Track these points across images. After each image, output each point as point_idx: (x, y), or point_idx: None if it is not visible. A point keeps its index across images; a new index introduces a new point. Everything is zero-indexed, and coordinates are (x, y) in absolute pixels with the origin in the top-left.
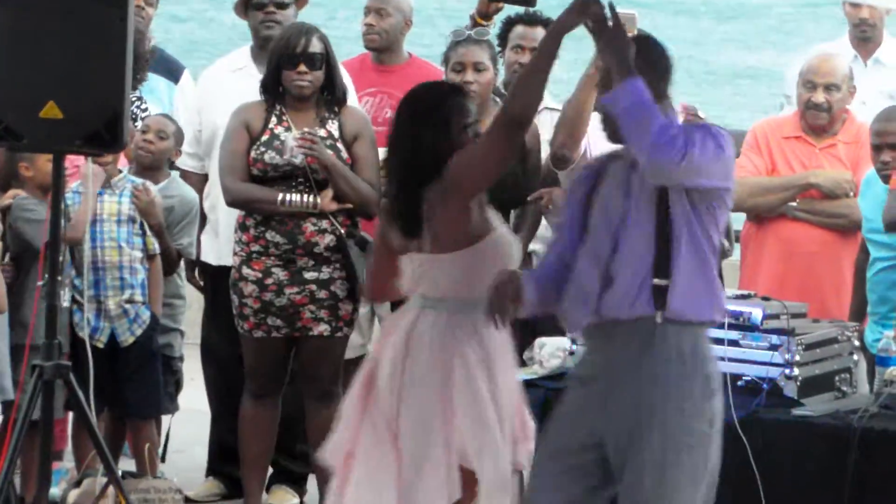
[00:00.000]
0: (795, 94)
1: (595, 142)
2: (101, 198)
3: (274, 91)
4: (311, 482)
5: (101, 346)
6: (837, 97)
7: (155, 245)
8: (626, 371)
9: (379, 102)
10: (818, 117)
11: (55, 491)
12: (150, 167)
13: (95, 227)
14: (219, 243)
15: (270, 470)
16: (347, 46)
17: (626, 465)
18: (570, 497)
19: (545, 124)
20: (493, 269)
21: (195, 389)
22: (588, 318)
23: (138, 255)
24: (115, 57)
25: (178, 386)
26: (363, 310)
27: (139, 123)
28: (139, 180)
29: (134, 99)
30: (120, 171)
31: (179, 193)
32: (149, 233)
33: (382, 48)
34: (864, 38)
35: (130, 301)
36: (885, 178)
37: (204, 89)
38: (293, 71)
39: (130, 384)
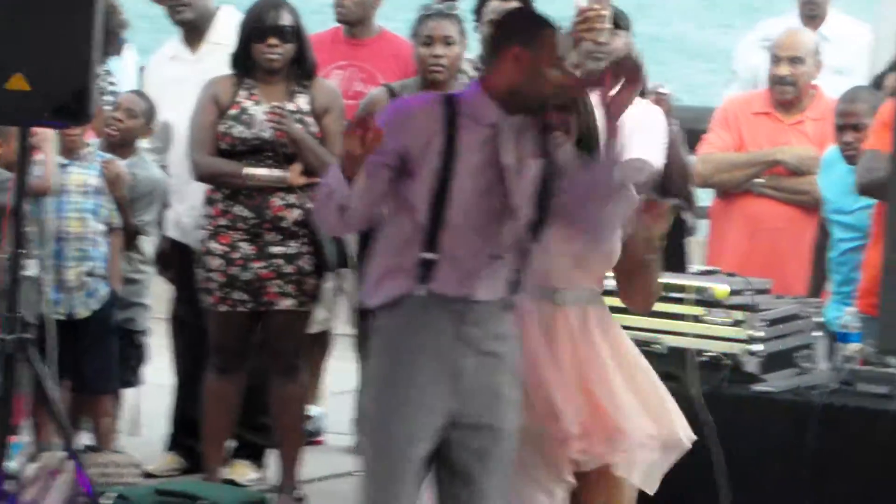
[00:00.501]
0: (743, 70)
1: None
2: (69, 169)
3: (243, 64)
4: (273, 456)
5: (61, 318)
6: (802, 70)
7: (117, 219)
8: (481, 349)
9: (349, 76)
10: (784, 91)
11: (12, 465)
12: (119, 144)
13: (61, 198)
14: (183, 226)
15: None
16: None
17: (482, 444)
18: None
19: None
20: None
21: (157, 364)
22: None
23: (101, 227)
24: (83, 29)
25: (140, 360)
26: (329, 284)
27: (108, 97)
28: (108, 156)
29: (102, 73)
30: (87, 145)
31: (146, 171)
32: (111, 206)
33: (353, 21)
34: (812, 15)
35: (90, 274)
36: (849, 159)
37: (147, 83)
38: (263, 44)
39: (86, 358)
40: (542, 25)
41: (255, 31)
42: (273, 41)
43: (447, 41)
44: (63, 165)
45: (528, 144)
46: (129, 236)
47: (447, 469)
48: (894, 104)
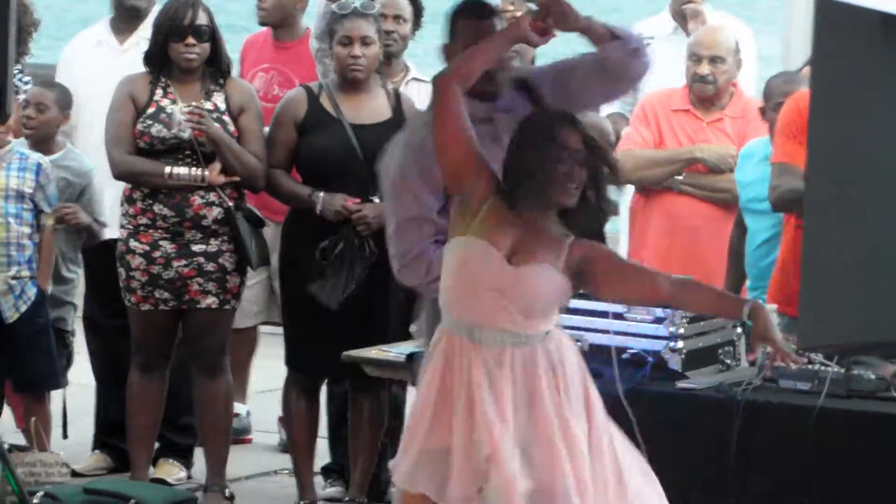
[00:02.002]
0: None
1: None
2: None
3: (159, 63)
4: (198, 455)
5: None
6: (723, 69)
7: (50, 220)
8: None
9: (270, 79)
10: (704, 90)
11: None
12: (40, 140)
13: None
14: None
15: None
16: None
17: None
18: None
19: (412, 95)
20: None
21: (81, 363)
22: None
23: (27, 230)
24: None
25: (69, 360)
26: (260, 278)
27: (21, 96)
28: (28, 152)
29: (15, 71)
30: (8, 142)
31: (76, 163)
32: (43, 207)
33: (275, 24)
34: (684, 14)
35: (16, 277)
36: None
37: (65, 65)
38: (181, 43)
39: (23, 359)
40: (457, 17)
41: (172, 29)
42: (191, 40)
43: (365, 41)
44: None
45: None
46: (92, 234)
47: None
48: (792, 103)
